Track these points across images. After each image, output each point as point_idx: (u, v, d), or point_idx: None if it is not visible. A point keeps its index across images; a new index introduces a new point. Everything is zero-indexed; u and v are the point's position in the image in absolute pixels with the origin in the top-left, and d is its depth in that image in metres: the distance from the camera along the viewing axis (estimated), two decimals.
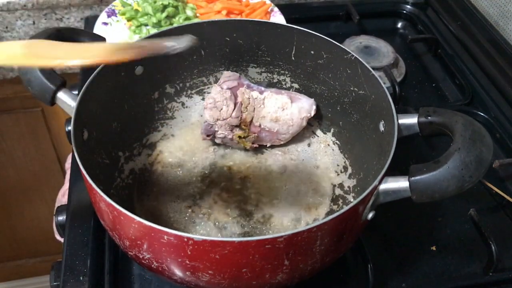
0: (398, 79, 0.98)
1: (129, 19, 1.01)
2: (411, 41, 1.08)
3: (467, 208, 0.74)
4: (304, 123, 0.79)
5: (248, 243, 0.50)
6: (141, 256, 0.56)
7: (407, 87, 0.99)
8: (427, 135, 0.61)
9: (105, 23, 1.00)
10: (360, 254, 0.69)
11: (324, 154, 0.80)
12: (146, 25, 1.00)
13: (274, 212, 0.72)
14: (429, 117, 0.60)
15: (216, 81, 0.82)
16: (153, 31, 0.98)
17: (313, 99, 0.79)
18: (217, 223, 0.70)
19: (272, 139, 0.79)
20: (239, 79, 0.79)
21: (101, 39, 0.71)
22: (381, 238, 0.74)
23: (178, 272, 0.55)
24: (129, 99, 0.75)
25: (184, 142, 0.81)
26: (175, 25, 0.97)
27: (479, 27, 1.06)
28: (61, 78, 0.64)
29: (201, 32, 0.77)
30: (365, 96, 0.70)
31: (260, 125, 0.78)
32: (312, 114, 0.79)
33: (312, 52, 0.76)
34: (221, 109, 0.79)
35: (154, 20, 0.99)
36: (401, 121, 0.61)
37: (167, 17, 0.99)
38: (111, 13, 1.02)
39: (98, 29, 0.99)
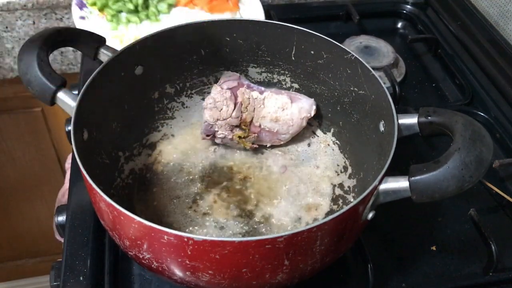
0: (398, 79, 0.98)
1: (101, 9, 0.92)
2: (411, 41, 1.08)
3: (467, 208, 0.74)
4: (304, 123, 0.79)
5: (248, 243, 0.50)
6: (141, 256, 0.56)
7: (407, 87, 0.99)
8: (427, 135, 0.61)
9: (82, 17, 0.91)
10: (360, 254, 0.69)
11: (324, 154, 0.80)
12: (121, 11, 0.92)
13: (274, 212, 0.72)
14: (429, 117, 0.60)
15: (216, 81, 0.82)
16: (134, 18, 0.92)
17: (313, 99, 0.79)
18: (217, 223, 0.70)
19: (272, 139, 0.79)
20: (239, 79, 0.79)
21: (101, 38, 0.71)
22: (381, 238, 0.74)
23: (178, 272, 0.55)
24: (129, 99, 0.75)
25: (184, 142, 0.81)
26: (162, 15, 0.94)
27: (479, 27, 1.06)
28: (61, 78, 0.64)
29: (201, 32, 0.77)
30: (365, 96, 0.70)
31: (260, 125, 0.78)
32: (312, 114, 0.79)
33: (312, 52, 0.76)
34: (221, 109, 0.79)
35: (130, 6, 0.91)
36: (401, 121, 0.61)
37: (145, 1, 0.92)
38: (81, 5, 0.93)
39: (78, 24, 0.91)
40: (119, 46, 0.72)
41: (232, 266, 0.52)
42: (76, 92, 0.82)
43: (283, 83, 0.83)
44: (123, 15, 0.93)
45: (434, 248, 0.73)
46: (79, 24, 0.92)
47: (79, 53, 1.16)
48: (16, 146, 1.38)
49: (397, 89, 0.92)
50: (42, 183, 1.48)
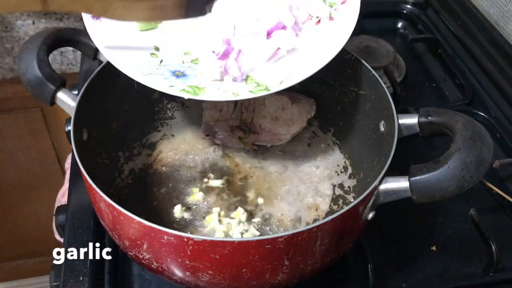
0: (398, 79, 0.98)
1: None
2: (411, 41, 1.08)
3: (467, 208, 0.74)
4: (304, 123, 0.79)
5: (248, 243, 0.50)
6: (141, 256, 0.56)
7: (407, 87, 0.99)
8: (427, 135, 0.61)
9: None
10: (360, 254, 0.69)
11: (324, 154, 0.80)
12: None
13: (274, 212, 0.72)
14: (429, 117, 0.60)
15: None
16: None
17: (313, 99, 0.79)
18: (217, 223, 0.70)
19: (272, 139, 0.79)
20: None
21: None
22: (381, 238, 0.74)
23: (178, 272, 0.55)
24: (129, 99, 0.75)
25: (184, 142, 0.81)
26: None
27: (479, 27, 1.06)
28: (61, 78, 0.64)
29: None
30: (365, 96, 0.70)
31: (260, 126, 0.78)
32: (312, 114, 0.79)
33: None
34: (221, 109, 0.79)
35: None
36: (401, 121, 0.61)
37: None
38: None
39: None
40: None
41: (232, 266, 0.52)
42: (76, 92, 0.82)
43: None
44: None
45: (434, 248, 0.72)
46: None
47: (79, 53, 1.16)
48: (16, 146, 1.38)
49: (397, 89, 0.92)
50: (42, 183, 1.48)
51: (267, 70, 0.62)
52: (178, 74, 0.61)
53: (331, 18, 0.64)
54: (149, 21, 0.63)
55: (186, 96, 0.57)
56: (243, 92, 0.58)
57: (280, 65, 0.62)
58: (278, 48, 0.62)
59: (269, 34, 0.63)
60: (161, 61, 0.63)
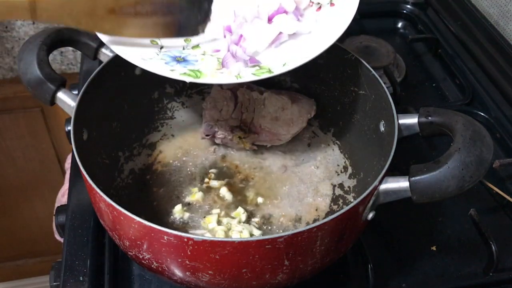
0: (398, 79, 0.98)
1: None
2: (411, 41, 1.08)
3: (467, 208, 0.74)
4: (304, 123, 0.79)
5: (248, 243, 0.50)
6: (141, 256, 0.56)
7: (407, 87, 0.99)
8: (427, 135, 0.61)
9: None
10: (360, 254, 0.69)
11: (324, 154, 0.80)
12: None
13: (274, 212, 0.72)
14: (429, 117, 0.60)
15: None
16: None
17: (313, 99, 0.79)
18: (217, 224, 0.70)
19: (272, 139, 0.79)
20: None
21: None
22: (381, 238, 0.74)
23: (178, 272, 0.55)
24: (129, 99, 0.75)
25: (184, 142, 0.81)
26: None
27: (479, 27, 1.06)
28: (61, 78, 0.64)
29: None
30: (365, 96, 0.70)
31: (260, 126, 0.78)
32: (312, 114, 0.79)
33: None
34: (221, 109, 0.79)
35: None
36: (401, 121, 0.61)
37: None
38: None
39: None
40: None
41: (232, 266, 0.52)
42: (76, 92, 0.82)
43: (283, 83, 0.83)
44: None
45: (434, 248, 0.72)
46: None
47: (79, 53, 1.16)
48: (16, 146, 1.38)
49: (397, 89, 0.91)
50: (42, 183, 1.48)
51: (269, 55, 0.61)
52: (179, 60, 0.61)
53: (332, 4, 0.64)
54: (139, 37, 0.62)
55: (187, 79, 0.57)
56: (246, 75, 0.58)
57: (283, 49, 0.62)
58: (280, 33, 0.62)
59: (270, 19, 0.62)
60: (161, 48, 0.63)
